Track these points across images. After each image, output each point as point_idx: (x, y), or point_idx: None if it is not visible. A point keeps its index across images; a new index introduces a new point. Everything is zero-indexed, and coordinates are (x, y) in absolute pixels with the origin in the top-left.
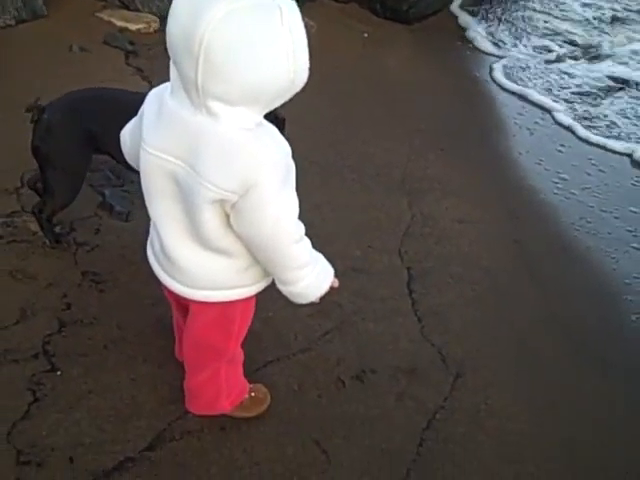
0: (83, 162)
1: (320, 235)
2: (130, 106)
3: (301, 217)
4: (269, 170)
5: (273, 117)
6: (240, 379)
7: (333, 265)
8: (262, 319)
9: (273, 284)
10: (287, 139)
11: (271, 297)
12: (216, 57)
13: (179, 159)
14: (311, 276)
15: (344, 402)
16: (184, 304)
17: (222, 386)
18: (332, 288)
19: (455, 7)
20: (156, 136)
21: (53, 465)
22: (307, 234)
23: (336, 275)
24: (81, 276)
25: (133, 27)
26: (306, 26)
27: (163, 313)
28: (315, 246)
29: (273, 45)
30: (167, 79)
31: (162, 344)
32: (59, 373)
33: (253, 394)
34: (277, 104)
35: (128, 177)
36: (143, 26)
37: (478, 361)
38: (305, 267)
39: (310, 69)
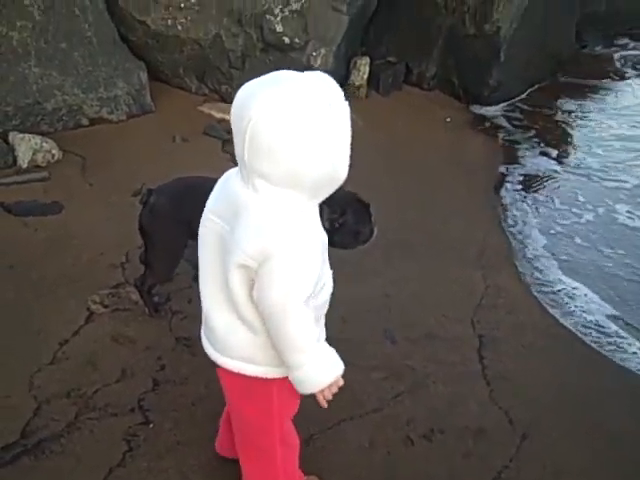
0: (181, 244)
1: (396, 305)
2: None
3: (379, 289)
4: (288, 247)
5: (357, 202)
6: (296, 467)
7: (409, 332)
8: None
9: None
10: (374, 225)
11: (348, 363)
12: (261, 139)
13: (225, 222)
14: (311, 365)
15: (412, 460)
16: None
17: (279, 473)
18: (338, 385)
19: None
20: (215, 203)
21: None
22: (385, 304)
23: (410, 341)
24: (175, 341)
25: (228, 117)
26: (353, 122)
27: None
28: (392, 315)
29: (317, 138)
30: None
31: None
32: (151, 426)
33: None
34: (324, 193)
35: None
36: None
37: (544, 424)
38: (306, 353)
39: (395, 152)
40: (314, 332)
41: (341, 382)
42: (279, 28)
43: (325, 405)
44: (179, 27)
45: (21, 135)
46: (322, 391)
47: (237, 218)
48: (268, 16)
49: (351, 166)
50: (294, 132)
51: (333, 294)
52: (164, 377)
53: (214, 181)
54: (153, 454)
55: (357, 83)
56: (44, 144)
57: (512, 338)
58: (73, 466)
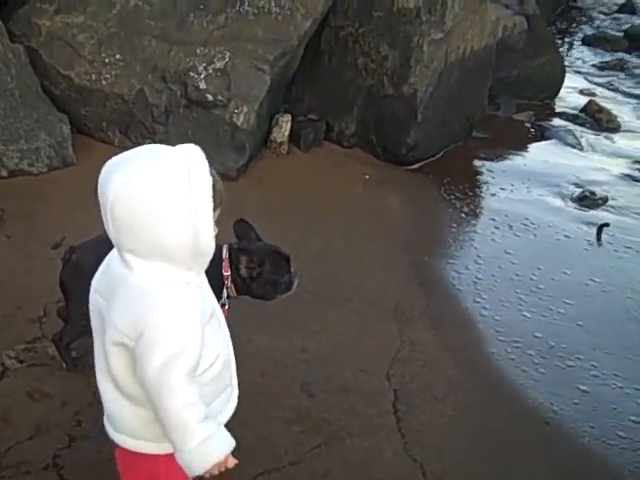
0: None
1: (314, 358)
2: None
3: (298, 342)
4: (160, 322)
5: (276, 254)
6: None
7: (326, 385)
8: (255, 435)
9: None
10: (294, 276)
11: (267, 416)
12: (120, 216)
13: (104, 299)
14: (195, 446)
15: None
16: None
17: None
18: (226, 465)
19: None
20: (97, 279)
21: None
22: (303, 358)
23: (327, 394)
24: (92, 395)
25: None
26: (215, 181)
27: None
28: (310, 369)
29: (173, 211)
30: None
31: None
32: None
33: None
34: (200, 263)
35: None
36: None
37: (457, 476)
38: (188, 433)
39: (314, 207)
40: (197, 411)
41: (231, 462)
42: (202, 85)
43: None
44: (103, 82)
45: None
46: (210, 471)
47: (112, 295)
48: (192, 73)
49: (270, 220)
50: (149, 207)
51: (253, 348)
52: (80, 433)
53: None
54: None
55: (279, 140)
56: None
57: (426, 391)
58: None
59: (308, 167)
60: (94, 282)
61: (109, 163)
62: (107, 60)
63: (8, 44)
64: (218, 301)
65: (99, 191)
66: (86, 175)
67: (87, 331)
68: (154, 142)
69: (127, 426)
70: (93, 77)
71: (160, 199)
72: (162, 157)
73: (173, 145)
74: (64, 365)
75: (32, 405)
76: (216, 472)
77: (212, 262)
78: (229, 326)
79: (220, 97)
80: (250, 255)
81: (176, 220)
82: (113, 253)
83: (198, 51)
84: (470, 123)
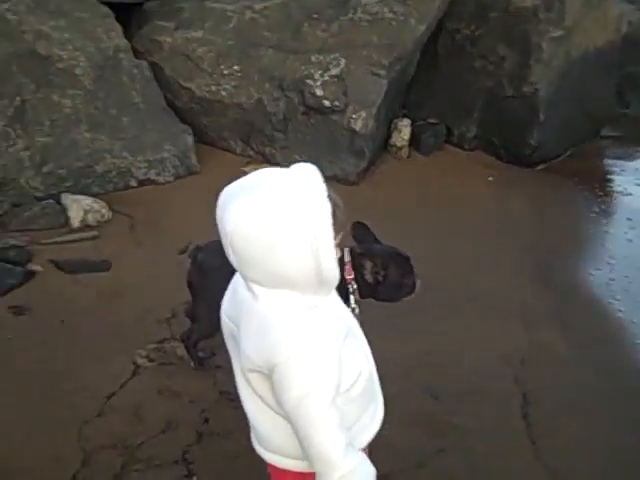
0: None
1: (439, 361)
2: None
3: (422, 345)
4: (292, 352)
5: (398, 256)
6: None
7: (451, 388)
8: (376, 436)
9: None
10: (416, 277)
11: (387, 418)
12: (240, 249)
13: (234, 323)
14: (336, 476)
15: None
16: None
17: None
18: None
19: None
20: (227, 302)
21: None
22: (427, 360)
23: (453, 397)
24: (219, 394)
25: None
26: (335, 207)
27: None
28: (434, 372)
29: (292, 241)
30: None
31: None
32: (194, 478)
33: None
34: (326, 287)
35: None
36: None
37: None
38: (330, 463)
39: (438, 209)
40: (338, 442)
41: None
42: (319, 92)
43: None
44: (223, 92)
45: (73, 196)
46: None
47: (241, 324)
48: (308, 81)
49: (393, 223)
50: (268, 239)
51: (374, 352)
52: (208, 430)
53: None
54: None
55: (399, 144)
56: (94, 205)
57: (556, 395)
58: None
59: (430, 170)
60: (223, 305)
61: (226, 191)
62: (226, 72)
63: (133, 60)
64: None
65: (217, 219)
66: (210, 182)
67: (214, 331)
68: (274, 150)
69: (276, 444)
70: (213, 88)
71: (278, 230)
72: (278, 185)
73: (293, 154)
74: (192, 364)
75: (162, 402)
76: None
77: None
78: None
79: (337, 103)
80: (374, 259)
81: (296, 251)
82: (239, 277)
83: (313, 59)
84: (597, 121)
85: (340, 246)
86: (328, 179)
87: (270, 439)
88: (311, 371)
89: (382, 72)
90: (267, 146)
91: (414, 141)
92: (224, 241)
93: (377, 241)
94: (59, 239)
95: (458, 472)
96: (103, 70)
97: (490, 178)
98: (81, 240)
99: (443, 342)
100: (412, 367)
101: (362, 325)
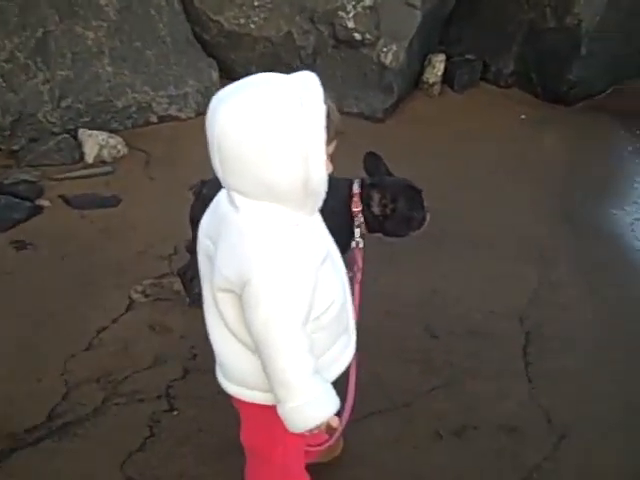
0: None
1: (443, 299)
2: None
3: (428, 283)
4: (267, 269)
5: (409, 188)
6: None
7: (453, 327)
8: (370, 373)
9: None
10: (426, 211)
11: (384, 355)
12: (228, 150)
13: (212, 242)
14: (299, 401)
15: (440, 455)
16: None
17: None
18: (330, 428)
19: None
20: (206, 222)
21: None
22: (431, 298)
23: (453, 336)
24: None
25: None
26: (331, 112)
27: None
28: (437, 310)
29: (283, 143)
30: None
31: None
32: (176, 413)
33: None
34: (311, 204)
35: None
36: None
37: (585, 425)
38: (293, 389)
39: (464, 146)
40: (304, 368)
41: (335, 422)
42: (351, 24)
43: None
44: (252, 25)
45: (89, 132)
46: (310, 431)
47: (219, 238)
48: (340, 12)
49: (417, 161)
50: (256, 140)
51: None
52: (194, 366)
53: None
54: (173, 440)
55: (431, 80)
56: (110, 140)
57: (561, 336)
58: (94, 450)
59: (461, 108)
60: (202, 223)
61: (218, 94)
62: (256, 3)
63: None
64: (351, 241)
65: (207, 123)
66: None
67: None
68: None
69: (241, 376)
70: (242, 21)
71: (268, 131)
72: (273, 86)
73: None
74: (187, 300)
75: (152, 337)
76: (316, 432)
77: (341, 198)
78: (364, 265)
79: (368, 35)
80: (383, 191)
81: (285, 153)
82: (222, 193)
83: None
84: None
85: (331, 158)
86: (354, 116)
87: (234, 370)
88: (283, 290)
89: (417, 3)
90: None
91: (448, 78)
92: (211, 147)
93: (389, 173)
94: (71, 174)
95: (446, 411)
96: (130, 2)
97: (522, 116)
98: (94, 176)
99: (449, 281)
100: (413, 305)
101: (364, 261)
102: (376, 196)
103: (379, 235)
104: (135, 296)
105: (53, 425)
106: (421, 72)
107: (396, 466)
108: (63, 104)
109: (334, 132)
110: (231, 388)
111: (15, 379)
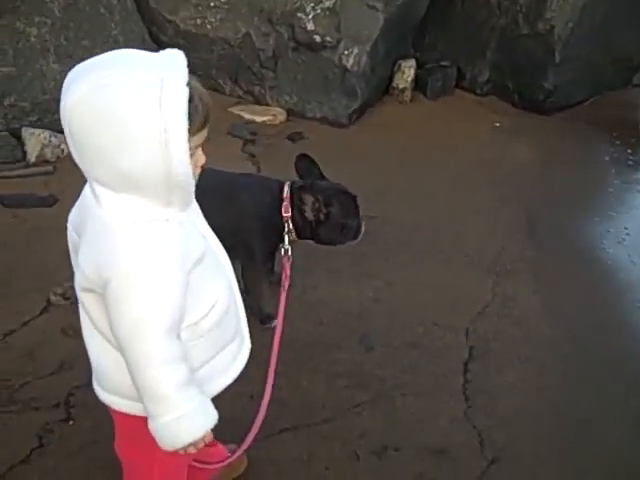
0: None
1: (385, 310)
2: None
3: (370, 292)
4: (129, 267)
5: (343, 194)
6: None
7: (391, 339)
8: (293, 386)
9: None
10: (361, 220)
11: (310, 368)
12: (80, 137)
13: (77, 233)
14: (169, 416)
15: (352, 477)
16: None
17: None
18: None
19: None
20: (73, 211)
21: None
22: (372, 308)
23: (389, 349)
24: None
25: (259, 119)
26: (198, 98)
27: None
28: (377, 321)
29: (139, 128)
30: (278, 164)
31: None
32: (71, 423)
33: None
34: (178, 198)
35: None
36: (268, 118)
37: (521, 450)
38: (164, 404)
39: (431, 153)
40: (176, 376)
41: (209, 438)
42: (310, 26)
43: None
44: (208, 26)
45: (32, 130)
46: (185, 450)
47: (83, 230)
48: (299, 14)
49: (377, 168)
50: (110, 124)
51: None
52: None
53: (225, 175)
54: (63, 453)
55: (401, 86)
56: (52, 139)
57: (509, 351)
58: None
59: (432, 115)
60: (70, 216)
61: (73, 71)
62: (212, 4)
63: None
64: (280, 245)
65: (61, 105)
66: None
67: None
68: (263, 89)
69: (114, 384)
70: (198, 22)
71: (123, 114)
72: (132, 65)
73: (282, 93)
74: None
75: (63, 341)
76: (191, 450)
77: (271, 202)
78: (294, 273)
79: (329, 38)
80: (316, 194)
81: (142, 140)
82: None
83: None
84: (628, 68)
85: (203, 149)
86: (317, 121)
87: (107, 377)
88: (147, 293)
89: (379, 5)
90: (256, 85)
91: (421, 85)
92: (65, 130)
93: (323, 177)
94: (10, 173)
95: (371, 429)
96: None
97: (497, 124)
98: (33, 175)
99: (394, 291)
100: (352, 315)
101: (292, 268)
102: (309, 200)
103: (312, 243)
104: (53, 298)
105: None
106: (391, 78)
107: None
108: (6, 102)
109: (203, 119)
110: (104, 396)
111: None
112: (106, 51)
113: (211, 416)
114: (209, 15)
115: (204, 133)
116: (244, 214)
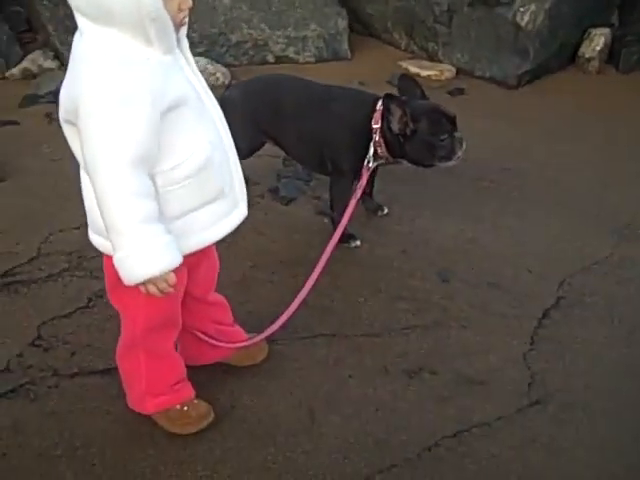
0: (244, 141)
1: (478, 250)
2: (302, 93)
3: (469, 232)
4: (92, 96)
5: (437, 112)
6: (164, 380)
7: (473, 277)
8: (347, 300)
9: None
10: (456, 141)
11: (376, 288)
12: None
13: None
14: (127, 250)
15: (371, 387)
16: None
17: (142, 380)
18: (165, 283)
19: None
20: None
21: None
22: (465, 247)
23: (467, 284)
24: None
25: (424, 73)
26: None
27: None
28: (463, 258)
29: None
30: None
31: None
32: None
33: (186, 408)
34: (160, 37)
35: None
36: (434, 73)
37: (573, 400)
38: (122, 234)
39: (583, 125)
40: (135, 210)
41: (171, 279)
42: None
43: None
44: None
45: (196, 58)
46: (145, 285)
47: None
48: None
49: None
50: None
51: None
52: None
53: (295, 80)
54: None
55: (587, 55)
56: (208, 66)
57: (601, 308)
58: None
59: (619, 90)
60: None
61: None
62: None
63: None
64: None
65: None
66: (353, 69)
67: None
68: (437, 46)
69: (96, 222)
70: None
71: None
72: None
73: (454, 51)
74: None
75: None
76: (153, 290)
77: (363, 114)
78: (397, 205)
79: None
80: (404, 108)
81: None
82: None
83: None
84: None
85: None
86: (486, 80)
87: (91, 215)
88: (109, 120)
89: None
90: (430, 41)
91: (614, 56)
92: None
93: (424, 97)
94: None
95: (413, 352)
96: None
97: None
98: None
99: (499, 234)
100: (442, 249)
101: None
102: (397, 112)
103: (407, 163)
104: None
105: None
106: (578, 46)
107: (315, 390)
108: None
109: None
110: (92, 238)
111: None
112: None
113: (172, 258)
114: None
115: None
116: (333, 124)
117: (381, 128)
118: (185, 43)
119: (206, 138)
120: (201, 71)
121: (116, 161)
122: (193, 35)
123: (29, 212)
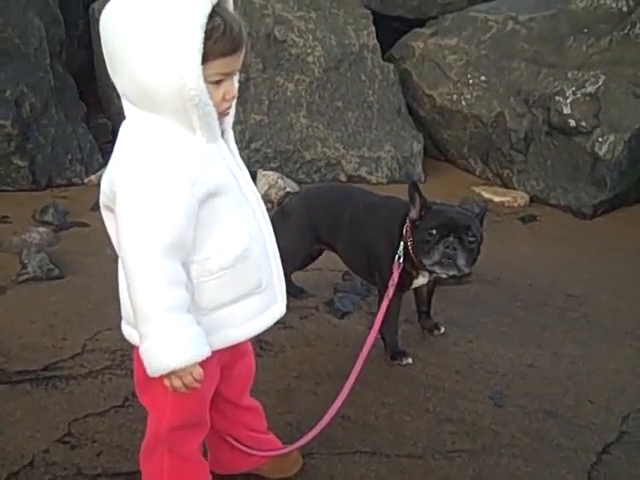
0: (302, 245)
1: (536, 376)
2: (356, 204)
3: (529, 357)
4: (129, 181)
5: (444, 210)
6: None
7: (529, 403)
8: (392, 418)
9: None
10: (453, 247)
11: (424, 408)
12: (106, 44)
13: None
14: (152, 339)
15: None
16: None
17: None
18: (190, 377)
19: None
20: None
21: None
22: (522, 371)
23: (522, 411)
24: None
25: (497, 199)
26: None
27: None
28: (520, 384)
29: (156, 39)
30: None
31: None
32: None
33: None
34: (204, 125)
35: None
36: (507, 199)
37: None
38: (149, 323)
39: None
40: (164, 298)
41: (198, 373)
42: (566, 110)
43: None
44: (463, 102)
45: (266, 172)
46: (169, 377)
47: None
48: (558, 97)
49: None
50: (131, 32)
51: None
52: None
53: (354, 189)
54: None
55: None
56: (279, 181)
57: None
58: None
59: None
60: None
61: None
62: (471, 81)
63: (378, 62)
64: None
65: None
66: (427, 193)
67: (292, 270)
68: (512, 172)
69: (128, 311)
70: (454, 97)
71: (143, 24)
72: None
73: (530, 179)
74: None
75: None
76: (178, 384)
77: (394, 219)
78: (445, 324)
79: (584, 123)
80: (423, 197)
81: (157, 49)
82: None
83: (570, 74)
84: None
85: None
86: (561, 209)
87: (124, 305)
88: (146, 206)
89: None
90: (505, 168)
91: None
92: (103, 50)
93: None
94: None
95: (456, 476)
96: (339, 63)
97: None
98: None
99: (559, 362)
100: (497, 373)
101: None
102: (416, 200)
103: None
104: None
105: None
106: None
107: None
108: (252, 146)
109: (228, 44)
110: (124, 328)
111: None
112: (357, 114)
113: (199, 350)
114: (465, 92)
115: (234, 62)
116: (377, 233)
117: (413, 239)
118: (230, 134)
119: (245, 229)
120: (271, 185)
121: (149, 247)
122: (268, 150)
123: (82, 309)
